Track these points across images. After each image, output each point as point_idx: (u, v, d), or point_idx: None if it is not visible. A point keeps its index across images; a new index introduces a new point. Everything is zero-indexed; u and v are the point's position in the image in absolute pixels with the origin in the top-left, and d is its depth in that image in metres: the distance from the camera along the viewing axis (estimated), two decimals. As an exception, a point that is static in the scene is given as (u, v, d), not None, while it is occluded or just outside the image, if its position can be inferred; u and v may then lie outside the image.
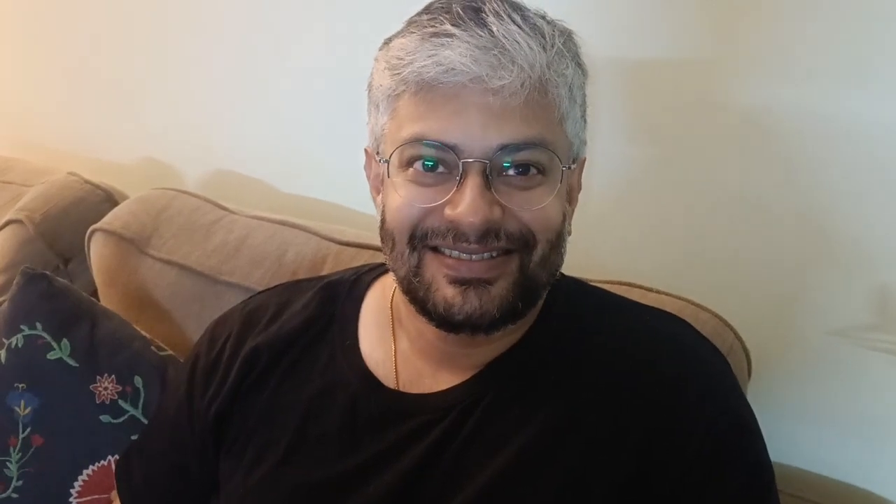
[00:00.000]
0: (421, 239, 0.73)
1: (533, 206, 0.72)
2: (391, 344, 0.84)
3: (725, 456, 0.75)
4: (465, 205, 0.70)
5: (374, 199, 0.82)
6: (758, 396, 0.94)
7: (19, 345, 1.08)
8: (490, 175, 0.70)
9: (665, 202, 1.13)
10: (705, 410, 0.76)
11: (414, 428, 0.79)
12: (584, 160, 0.81)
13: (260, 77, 1.48)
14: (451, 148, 0.70)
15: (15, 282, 1.12)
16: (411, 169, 0.73)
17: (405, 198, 0.73)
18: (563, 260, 0.77)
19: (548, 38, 0.72)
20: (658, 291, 1.01)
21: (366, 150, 0.83)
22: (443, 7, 0.73)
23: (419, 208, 0.72)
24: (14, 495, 1.05)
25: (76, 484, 1.06)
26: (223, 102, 1.55)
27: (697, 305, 0.99)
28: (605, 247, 1.14)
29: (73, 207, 1.44)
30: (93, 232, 1.33)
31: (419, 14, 0.75)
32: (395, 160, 0.74)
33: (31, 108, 1.88)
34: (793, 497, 0.98)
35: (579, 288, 0.87)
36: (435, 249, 0.73)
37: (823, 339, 1.04)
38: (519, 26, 0.70)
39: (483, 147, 0.70)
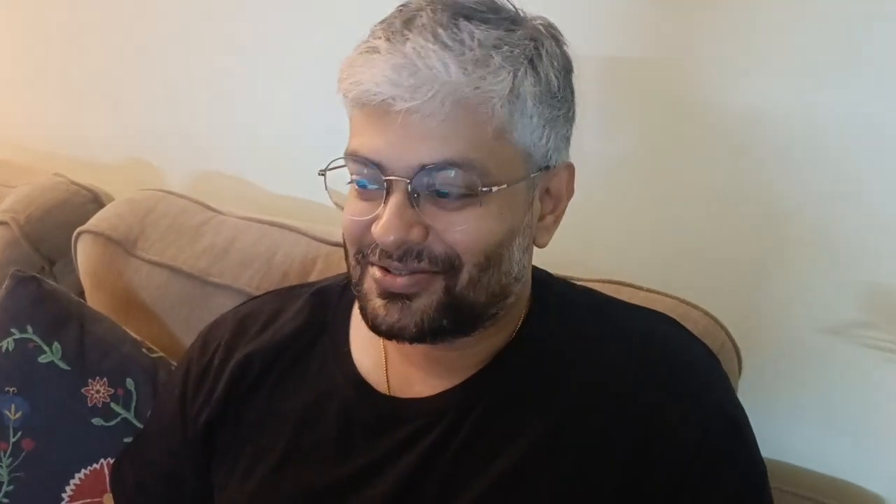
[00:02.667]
0: (364, 255, 0.74)
1: (457, 227, 0.70)
2: (381, 350, 0.84)
3: (720, 457, 0.76)
4: (380, 224, 0.69)
5: None
6: (749, 394, 0.95)
7: (10, 348, 1.07)
8: (415, 194, 0.69)
9: (654, 201, 1.14)
10: (699, 412, 0.76)
11: (408, 433, 0.79)
12: (569, 165, 0.78)
13: (246, 77, 1.48)
14: (377, 165, 0.70)
15: (4, 285, 1.11)
16: (353, 184, 0.74)
17: (349, 212, 0.75)
18: (510, 276, 0.75)
19: (473, 52, 0.67)
20: (648, 290, 1.01)
21: None
22: (395, 14, 0.72)
23: (356, 221, 0.73)
24: (5, 500, 1.04)
25: (68, 488, 1.05)
26: (209, 102, 1.54)
27: (688, 304, 0.99)
28: (594, 246, 1.14)
29: (58, 209, 1.42)
30: (79, 234, 1.32)
31: (380, 21, 0.73)
32: (348, 171, 0.75)
33: (16, 109, 1.86)
34: (785, 493, 0.98)
35: (568, 288, 0.87)
36: (372, 264, 0.74)
37: (814, 336, 1.05)
38: (442, 42, 0.67)
39: (404, 167, 0.69)
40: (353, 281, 0.77)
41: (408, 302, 0.72)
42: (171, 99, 1.59)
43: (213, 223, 1.28)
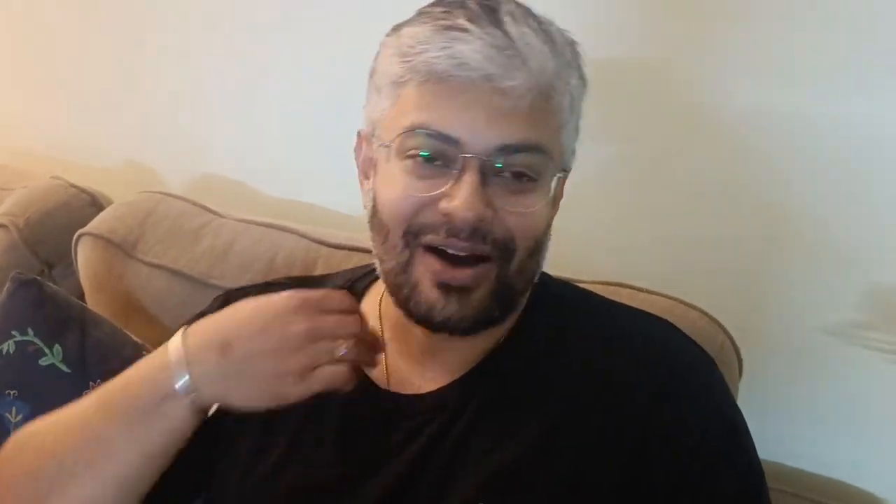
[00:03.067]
0: (415, 235, 0.73)
1: (522, 209, 0.73)
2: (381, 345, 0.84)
3: (718, 459, 0.76)
4: (463, 199, 0.70)
5: (362, 184, 0.82)
6: (748, 394, 0.95)
7: (10, 351, 1.07)
8: (487, 174, 0.71)
9: (652, 203, 1.14)
10: (696, 414, 0.76)
11: (408, 428, 0.79)
12: (569, 171, 0.81)
13: (245, 80, 1.48)
14: (454, 141, 0.71)
15: (5, 288, 1.11)
16: (409, 160, 0.73)
17: (402, 188, 0.73)
18: (541, 265, 0.78)
19: (558, 46, 0.73)
20: (648, 291, 1.01)
21: (359, 133, 0.83)
22: (457, 2, 0.73)
23: (415, 198, 0.73)
24: None
25: (69, 491, 1.05)
26: (208, 105, 1.54)
27: (687, 304, 0.99)
28: (593, 248, 1.14)
29: (57, 212, 1.42)
30: (80, 236, 1.32)
31: (431, 6, 0.75)
32: (394, 147, 0.74)
33: (14, 112, 1.85)
34: (784, 494, 0.98)
35: (566, 290, 0.87)
36: (426, 249, 0.73)
37: (813, 336, 1.05)
38: (534, 30, 0.71)
39: (484, 144, 0.70)
40: (393, 265, 0.75)
41: (467, 294, 0.73)
42: (170, 102, 1.59)
43: (213, 225, 1.28)
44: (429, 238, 0.73)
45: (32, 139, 1.80)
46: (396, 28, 0.77)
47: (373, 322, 0.85)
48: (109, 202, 1.44)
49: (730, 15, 1.02)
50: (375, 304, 0.87)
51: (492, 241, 0.72)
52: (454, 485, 0.76)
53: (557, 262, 0.82)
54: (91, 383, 1.07)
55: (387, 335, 0.84)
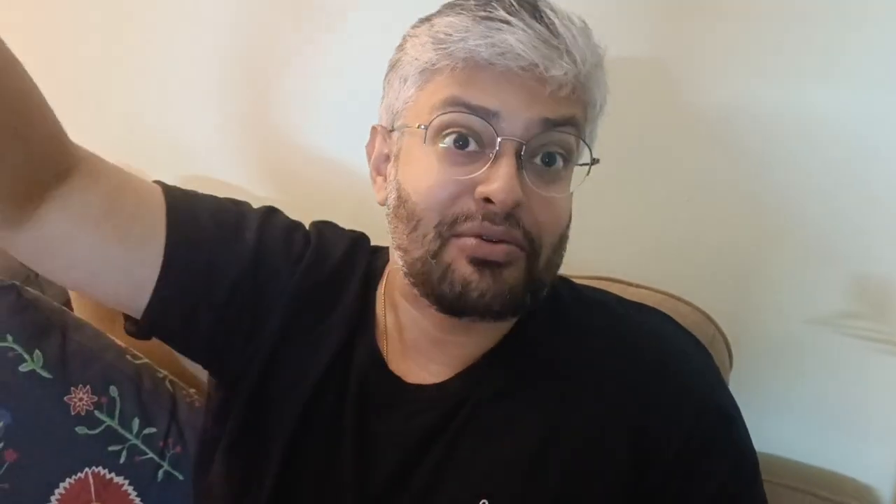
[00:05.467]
0: (449, 225, 0.72)
1: (554, 195, 0.73)
2: (383, 336, 0.83)
3: (712, 447, 0.76)
4: (503, 181, 0.69)
5: (374, 180, 0.81)
6: (739, 386, 0.95)
7: (-10, 358, 1.05)
8: (523, 158, 0.70)
9: (643, 197, 1.13)
10: (690, 403, 0.77)
11: (405, 415, 0.79)
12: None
13: (231, 81, 1.47)
14: (491, 116, 0.70)
15: (-17, 294, 1.09)
16: (442, 145, 0.72)
17: (437, 174, 0.72)
18: (562, 259, 0.78)
19: (596, 44, 0.74)
20: (639, 286, 1.02)
21: (374, 128, 0.81)
22: None
23: (452, 183, 0.71)
24: (-11, 512, 1.03)
25: (53, 498, 1.04)
26: (194, 106, 1.53)
27: (678, 298, 1.00)
28: (584, 242, 1.13)
29: (42, 216, 1.41)
30: (63, 240, 1.31)
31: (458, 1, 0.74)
32: (429, 129, 0.72)
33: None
34: (777, 485, 0.99)
35: (564, 284, 0.87)
36: (458, 236, 0.72)
37: (804, 328, 1.05)
38: (574, 24, 0.71)
39: (524, 120, 0.70)
40: (422, 253, 0.73)
41: (500, 271, 0.72)
42: (156, 103, 1.58)
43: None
44: (464, 227, 0.71)
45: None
46: (425, 19, 0.75)
47: (379, 313, 0.84)
48: (94, 205, 1.43)
49: (725, 14, 1.01)
50: (381, 291, 0.85)
51: (522, 230, 0.71)
52: (453, 478, 0.76)
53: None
54: (73, 388, 1.06)
55: (391, 325, 0.83)
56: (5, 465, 1.03)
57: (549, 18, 0.70)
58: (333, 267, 0.85)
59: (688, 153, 1.08)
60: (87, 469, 1.05)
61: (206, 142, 1.54)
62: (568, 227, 0.77)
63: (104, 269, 0.76)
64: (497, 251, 0.71)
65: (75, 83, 1.69)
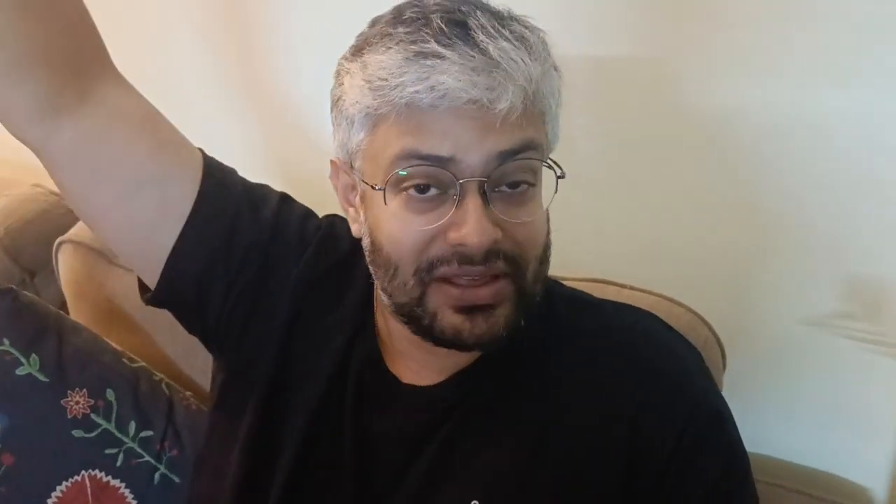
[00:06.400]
0: (427, 270, 0.71)
1: (523, 221, 0.71)
2: (381, 337, 0.84)
3: (703, 447, 0.76)
4: (471, 226, 0.67)
5: (346, 210, 0.81)
6: (733, 388, 0.95)
7: (-14, 362, 1.05)
8: (487, 193, 0.68)
9: (636, 199, 1.13)
10: (682, 403, 0.77)
11: (403, 415, 0.80)
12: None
13: (223, 84, 1.47)
14: (446, 161, 0.67)
15: (-20, 299, 1.09)
16: (404, 193, 0.70)
17: (403, 225, 0.70)
18: (549, 265, 0.77)
19: (536, 49, 0.70)
20: (632, 288, 1.02)
21: (332, 162, 0.80)
22: (419, 19, 0.69)
23: (420, 232, 0.70)
24: (-14, 516, 1.03)
25: (49, 502, 1.04)
26: (187, 109, 1.53)
27: (671, 300, 1.00)
28: (577, 245, 1.13)
29: (37, 220, 1.41)
30: (60, 244, 1.31)
31: (392, 25, 0.70)
32: (384, 182, 0.70)
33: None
34: (769, 485, 0.99)
35: (555, 287, 0.87)
36: (440, 280, 0.71)
37: (797, 329, 1.05)
38: (510, 42, 0.67)
39: (480, 157, 0.68)
40: (407, 300, 0.73)
41: (492, 311, 0.71)
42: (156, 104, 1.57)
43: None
44: (442, 271, 0.71)
45: (12, 147, 1.78)
46: (357, 52, 0.72)
47: (377, 311, 0.85)
48: (90, 209, 1.43)
49: (724, 15, 1.02)
50: (377, 301, 0.85)
51: (504, 257, 0.70)
52: (445, 483, 0.77)
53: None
54: (69, 392, 1.06)
55: (382, 330, 0.84)
56: (2, 469, 1.03)
57: (483, 42, 0.66)
58: (338, 261, 0.85)
59: (681, 155, 1.08)
60: (83, 472, 1.05)
61: (201, 143, 1.54)
62: (548, 235, 0.76)
63: (137, 187, 0.77)
64: (483, 295, 0.71)
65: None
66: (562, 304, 0.84)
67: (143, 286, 0.86)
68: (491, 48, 0.66)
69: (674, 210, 1.11)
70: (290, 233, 0.84)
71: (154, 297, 0.83)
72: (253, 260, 0.82)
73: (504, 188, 0.70)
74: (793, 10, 0.97)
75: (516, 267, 0.71)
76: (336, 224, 0.88)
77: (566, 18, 1.09)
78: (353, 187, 0.78)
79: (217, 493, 0.84)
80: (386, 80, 0.67)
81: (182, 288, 0.82)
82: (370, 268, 0.77)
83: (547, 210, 0.76)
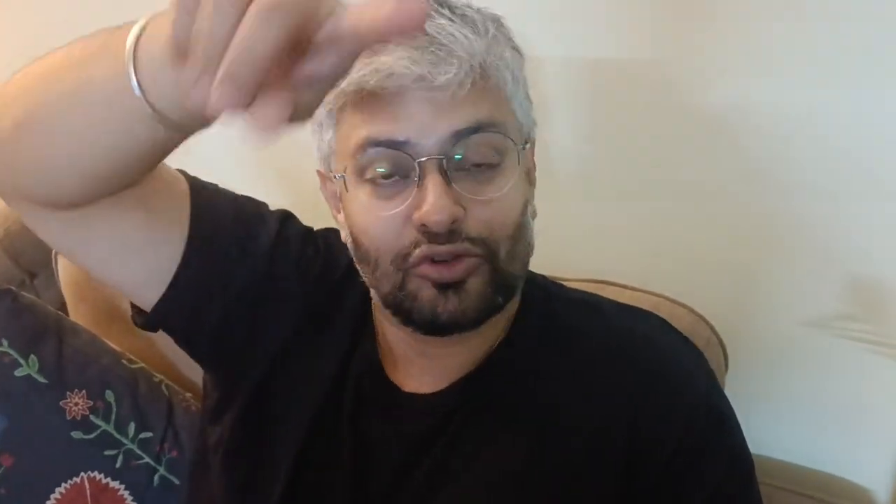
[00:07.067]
0: (404, 258, 0.72)
1: (489, 199, 0.71)
2: (376, 349, 0.84)
3: (705, 448, 0.76)
4: (430, 203, 0.68)
5: (336, 218, 0.81)
6: (735, 389, 0.95)
7: (-15, 363, 1.05)
8: (448, 171, 0.69)
9: (638, 200, 1.13)
10: (683, 404, 0.77)
11: (404, 421, 0.79)
12: (534, 140, 0.80)
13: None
14: (402, 145, 0.68)
15: (-20, 299, 1.09)
16: (369, 183, 0.71)
17: (370, 214, 0.72)
18: (532, 245, 0.77)
19: (480, 26, 0.71)
20: (633, 288, 1.02)
21: (318, 172, 0.81)
22: None
23: (388, 218, 0.71)
24: (-15, 517, 1.03)
25: (48, 503, 1.04)
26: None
27: (673, 301, 1.00)
28: (579, 245, 1.14)
29: (38, 221, 1.41)
30: (59, 245, 1.31)
31: None
32: (350, 174, 0.72)
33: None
34: (772, 487, 0.99)
35: (555, 289, 0.87)
36: (417, 265, 0.72)
37: (798, 330, 1.05)
38: (449, 19, 0.69)
39: (436, 139, 0.68)
40: (390, 288, 0.73)
41: (463, 287, 0.72)
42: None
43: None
44: (416, 254, 0.71)
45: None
46: None
47: (377, 319, 0.85)
48: (90, 210, 1.43)
49: (723, 16, 1.02)
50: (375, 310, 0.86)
51: (469, 239, 0.71)
52: (446, 486, 0.76)
53: (542, 261, 0.82)
54: (68, 393, 1.06)
55: (382, 337, 0.84)
56: (1, 470, 1.03)
57: (428, 30, 0.68)
58: (340, 276, 0.85)
59: (683, 155, 1.08)
60: (82, 474, 1.05)
61: (196, 146, 1.53)
62: (524, 213, 0.75)
63: (125, 253, 0.76)
64: (455, 271, 0.71)
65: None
66: (561, 306, 0.84)
67: (134, 306, 0.85)
68: (429, 27, 0.68)
69: (675, 210, 1.11)
70: (290, 260, 0.84)
71: (145, 326, 0.83)
72: (251, 294, 0.81)
73: (468, 167, 0.70)
74: (793, 10, 0.97)
75: (485, 247, 0.71)
76: (330, 238, 0.87)
77: (566, 19, 1.09)
78: (337, 195, 0.78)
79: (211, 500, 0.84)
80: None
81: (175, 322, 0.82)
82: (358, 266, 0.77)
83: (527, 187, 0.76)
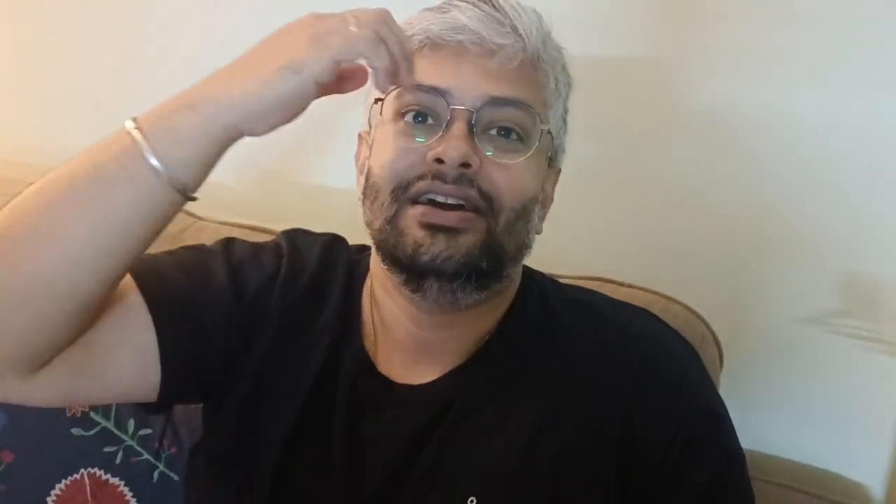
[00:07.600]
0: (404, 189, 0.74)
1: (508, 161, 0.74)
2: (372, 338, 0.84)
3: (697, 444, 0.76)
4: (450, 142, 0.72)
5: (358, 180, 0.83)
6: (730, 386, 0.96)
7: (-15, 360, 1.06)
8: (475, 127, 0.73)
9: (634, 198, 1.14)
10: (677, 401, 0.77)
11: (398, 418, 0.79)
12: (560, 171, 0.84)
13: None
14: (443, 93, 0.74)
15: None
16: (402, 122, 0.76)
17: (394, 148, 0.75)
18: (531, 235, 0.79)
19: (543, 25, 0.78)
20: (629, 286, 1.02)
21: (360, 135, 0.84)
22: (448, 2, 0.79)
23: (406, 151, 0.74)
24: (-15, 513, 1.04)
25: (49, 499, 1.05)
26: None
27: (668, 298, 1.00)
28: (575, 243, 1.14)
29: (38, 219, 1.41)
30: (59, 243, 1.31)
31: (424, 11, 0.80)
32: (387, 111, 0.76)
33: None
34: (766, 483, 0.98)
35: (552, 285, 0.88)
36: (413, 202, 0.74)
37: (793, 326, 1.06)
38: (523, 8, 0.77)
39: (474, 96, 0.74)
40: (381, 222, 0.75)
41: (455, 235, 0.73)
42: (147, 107, 1.57)
43: (194, 229, 1.27)
44: (416, 186, 0.73)
45: (11, 148, 1.79)
46: None
47: (366, 311, 0.85)
48: (90, 208, 1.42)
49: (722, 16, 1.02)
50: (367, 290, 0.86)
51: (479, 189, 0.73)
52: (443, 478, 0.77)
53: (539, 258, 0.82)
54: (68, 390, 1.06)
55: (377, 324, 0.84)
56: (1, 467, 1.04)
57: (499, 3, 0.76)
58: (311, 274, 0.86)
59: (679, 154, 1.09)
60: (82, 470, 1.06)
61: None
62: (532, 199, 0.77)
63: (113, 370, 0.77)
64: (449, 217, 0.73)
65: (70, 91, 1.69)
66: (557, 303, 0.84)
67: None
68: (505, 5, 0.77)
69: (671, 208, 1.11)
70: (251, 278, 0.84)
71: (161, 408, 0.84)
72: (233, 326, 0.82)
73: (493, 133, 0.75)
74: (793, 10, 0.97)
75: (489, 203, 0.74)
76: (295, 239, 0.89)
77: (566, 19, 1.09)
78: (370, 140, 0.81)
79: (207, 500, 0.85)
80: (411, 24, 0.77)
81: (188, 396, 0.85)
82: (360, 202, 0.79)
83: (540, 186, 0.79)
